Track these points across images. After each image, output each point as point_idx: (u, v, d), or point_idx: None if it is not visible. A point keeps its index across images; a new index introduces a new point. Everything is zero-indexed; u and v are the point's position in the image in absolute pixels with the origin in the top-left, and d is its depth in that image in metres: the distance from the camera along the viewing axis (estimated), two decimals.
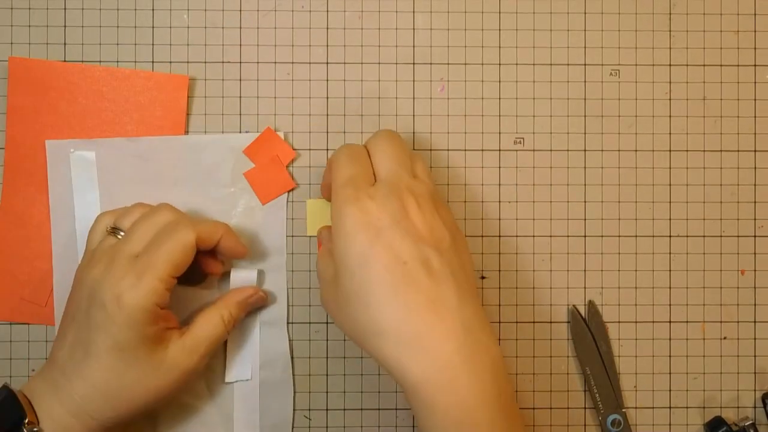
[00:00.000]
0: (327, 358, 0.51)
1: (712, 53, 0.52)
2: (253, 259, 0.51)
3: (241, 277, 0.49)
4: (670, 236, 0.52)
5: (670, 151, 0.52)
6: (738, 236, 0.52)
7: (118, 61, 0.51)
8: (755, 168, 0.52)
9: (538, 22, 0.52)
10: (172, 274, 0.44)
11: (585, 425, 0.52)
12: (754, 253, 0.52)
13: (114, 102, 0.50)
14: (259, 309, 0.50)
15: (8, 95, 0.50)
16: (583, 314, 0.51)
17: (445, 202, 0.48)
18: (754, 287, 0.52)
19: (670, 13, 0.52)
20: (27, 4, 0.51)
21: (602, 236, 0.52)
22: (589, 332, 0.51)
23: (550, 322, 0.52)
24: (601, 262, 0.52)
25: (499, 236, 0.51)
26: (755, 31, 0.52)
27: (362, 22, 0.51)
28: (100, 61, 0.51)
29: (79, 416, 0.43)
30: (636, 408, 0.52)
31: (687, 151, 0.52)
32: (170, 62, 0.51)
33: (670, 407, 0.52)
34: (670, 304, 0.52)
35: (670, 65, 0.52)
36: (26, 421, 0.42)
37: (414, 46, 0.51)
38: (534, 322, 0.52)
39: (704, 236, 0.52)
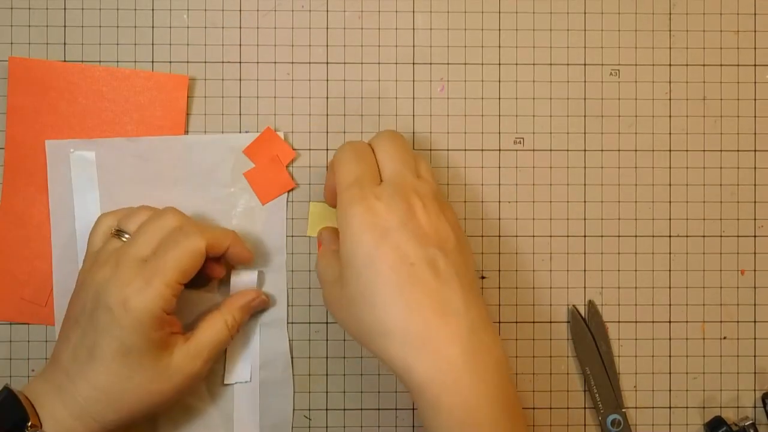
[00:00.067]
0: (327, 358, 0.51)
1: (712, 53, 0.52)
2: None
3: (242, 278, 0.49)
4: (670, 236, 0.52)
5: (670, 151, 0.52)
6: (738, 236, 0.52)
7: (118, 61, 0.51)
8: (755, 168, 0.52)
9: (538, 22, 0.52)
10: (180, 280, 0.44)
11: (585, 425, 0.52)
12: (754, 253, 0.52)
13: (114, 102, 0.50)
14: (259, 311, 0.50)
15: (8, 95, 0.50)
16: (583, 314, 0.51)
17: (448, 202, 0.48)
18: (754, 287, 0.52)
19: (670, 13, 0.52)
20: (27, 4, 0.51)
21: (602, 236, 0.52)
22: (589, 332, 0.51)
23: (550, 322, 0.52)
24: (601, 262, 0.52)
25: (499, 236, 0.51)
26: (755, 31, 0.52)
27: (362, 22, 0.51)
28: (100, 61, 0.51)
29: (82, 418, 0.43)
30: (636, 408, 0.52)
31: (687, 151, 0.52)
32: (170, 62, 0.51)
33: (670, 407, 0.52)
34: (670, 304, 0.52)
35: (670, 65, 0.52)
36: (29, 423, 0.42)
37: (414, 46, 0.51)
38: (534, 322, 0.52)
39: (704, 236, 0.52)
